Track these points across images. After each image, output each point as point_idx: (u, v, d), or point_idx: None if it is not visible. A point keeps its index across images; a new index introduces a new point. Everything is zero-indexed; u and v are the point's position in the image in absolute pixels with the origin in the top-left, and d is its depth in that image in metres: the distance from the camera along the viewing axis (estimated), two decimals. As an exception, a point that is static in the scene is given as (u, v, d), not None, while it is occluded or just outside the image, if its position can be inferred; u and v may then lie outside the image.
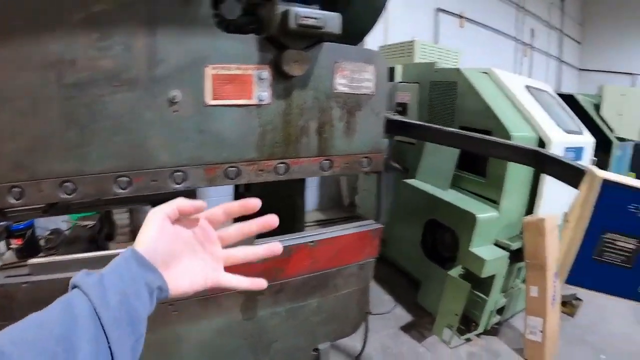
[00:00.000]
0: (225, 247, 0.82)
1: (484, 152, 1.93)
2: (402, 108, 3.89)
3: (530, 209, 3.11)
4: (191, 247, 0.77)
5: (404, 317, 3.48)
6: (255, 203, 0.80)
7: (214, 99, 1.37)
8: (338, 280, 1.84)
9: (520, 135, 2.87)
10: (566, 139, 3.19)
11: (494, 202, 2.99)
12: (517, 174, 2.91)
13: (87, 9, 1.16)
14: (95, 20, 1.17)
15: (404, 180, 3.57)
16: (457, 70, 3.31)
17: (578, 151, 3.34)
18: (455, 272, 2.91)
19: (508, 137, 2.78)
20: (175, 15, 1.28)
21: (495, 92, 3.22)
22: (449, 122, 3.36)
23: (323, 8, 1.45)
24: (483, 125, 2.97)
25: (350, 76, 1.59)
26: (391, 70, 4.08)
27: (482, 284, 2.96)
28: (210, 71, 1.35)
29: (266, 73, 1.43)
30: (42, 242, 3.23)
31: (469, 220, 2.85)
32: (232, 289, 0.80)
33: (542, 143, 2.98)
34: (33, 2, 1.11)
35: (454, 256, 3.07)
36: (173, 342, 1.58)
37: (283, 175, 1.54)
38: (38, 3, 1.12)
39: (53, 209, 1.71)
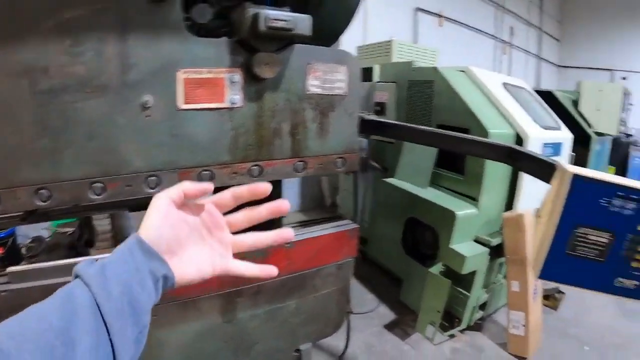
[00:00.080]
0: (234, 233, 0.79)
1: (459, 150, 1.95)
2: (380, 107, 3.90)
3: (509, 204, 3.14)
4: (198, 233, 0.74)
5: (388, 315, 3.49)
6: (265, 187, 0.76)
7: (186, 103, 1.37)
8: (316, 281, 1.85)
9: (498, 132, 2.89)
10: (544, 135, 3.22)
11: (473, 199, 3.01)
12: (496, 171, 2.94)
13: (59, 16, 1.15)
14: (67, 26, 1.17)
15: (384, 179, 3.58)
16: (434, 69, 3.33)
17: (556, 147, 3.38)
18: (436, 269, 2.92)
19: (485, 134, 2.81)
20: (146, 20, 1.27)
21: (472, 90, 3.24)
22: (427, 120, 3.37)
23: (294, 10, 1.45)
24: (460, 123, 2.99)
25: (323, 77, 1.60)
26: (369, 70, 4.10)
27: (463, 281, 2.98)
28: (181, 75, 1.35)
29: (238, 76, 1.43)
30: (23, 251, 3.20)
31: (449, 217, 2.87)
32: (242, 277, 0.77)
33: (519, 139, 3.00)
34: (4, 9, 1.10)
35: (435, 253, 3.09)
36: (153, 346, 1.57)
37: (257, 177, 1.54)
38: (10, 11, 1.11)
39: (32, 216, 1.70)
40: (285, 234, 0.79)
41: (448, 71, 3.28)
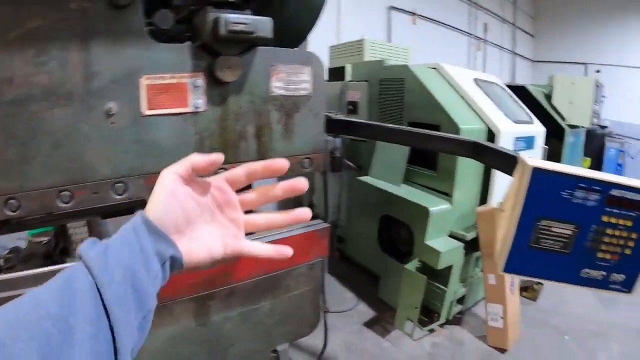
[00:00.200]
0: (247, 212, 0.74)
1: (426, 147, 1.97)
2: (353, 107, 3.92)
3: (484, 199, 3.17)
4: (209, 211, 0.70)
5: (367, 313, 3.51)
6: (282, 164, 0.70)
7: (150, 108, 1.37)
8: (289, 281, 1.85)
9: (469, 128, 2.93)
10: (516, 129, 3.27)
11: (447, 195, 3.04)
12: (468, 166, 2.97)
13: (22, 26, 1.15)
14: (30, 37, 1.16)
15: (358, 177, 3.60)
16: (405, 66, 3.36)
17: (529, 140, 3.43)
18: (412, 265, 2.95)
19: (457, 130, 2.84)
20: (108, 28, 1.27)
21: (443, 86, 3.28)
22: (398, 118, 3.41)
23: (257, 13, 1.46)
24: (432, 120, 3.02)
25: (287, 78, 1.60)
26: (341, 70, 4.13)
27: (440, 276, 3.02)
28: (144, 81, 1.35)
29: (200, 80, 1.43)
30: (1, 262, 3.16)
31: (422, 214, 2.90)
32: (255, 257, 0.72)
33: (491, 134, 3.05)
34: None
35: (411, 250, 3.11)
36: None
37: (224, 180, 1.54)
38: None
39: (6, 226, 1.69)
40: (302, 213, 0.74)
41: (419, 68, 3.31)
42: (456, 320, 3.38)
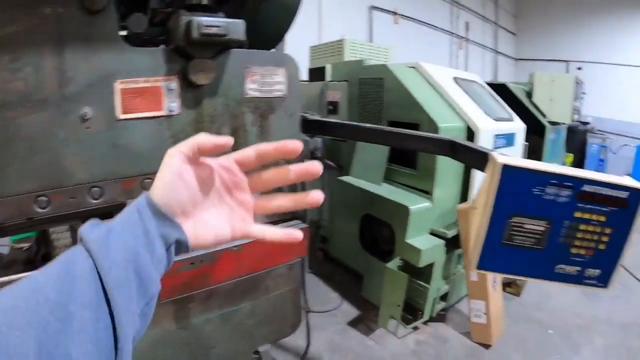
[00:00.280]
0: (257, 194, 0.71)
1: (404, 146, 1.97)
2: (333, 107, 3.93)
3: (464, 196, 3.19)
4: (216, 193, 0.67)
5: (351, 312, 3.52)
6: (295, 145, 0.65)
7: (124, 113, 1.37)
8: (268, 282, 1.86)
9: (448, 126, 2.95)
10: (495, 126, 3.30)
11: (427, 193, 3.06)
12: (448, 164, 2.96)
13: (-2, 32, 1.15)
14: (5, 43, 1.16)
15: (339, 177, 3.61)
16: (384, 66, 3.37)
17: (509, 137, 3.46)
18: (394, 264, 2.96)
19: (435, 128, 2.85)
20: (82, 33, 1.27)
21: (422, 85, 3.29)
22: (378, 117, 3.42)
23: (231, 15, 1.46)
24: (411, 119, 3.04)
25: (261, 80, 1.61)
26: (322, 70, 4.14)
27: (422, 273, 3.03)
28: (118, 86, 1.35)
29: (174, 84, 1.44)
30: (-17, 270, 3.12)
31: (403, 212, 2.91)
32: (263, 240, 0.68)
33: (470, 132, 3.06)
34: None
35: (392, 249, 3.12)
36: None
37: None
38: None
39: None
40: (316, 196, 0.68)
41: (398, 68, 3.32)
42: (440, 318, 3.39)
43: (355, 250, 3.65)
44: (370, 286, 3.57)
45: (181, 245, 0.60)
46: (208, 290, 1.70)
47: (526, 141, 3.90)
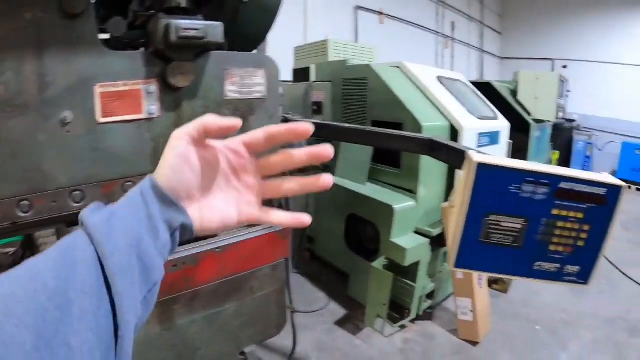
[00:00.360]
0: (266, 178, 0.67)
1: (385, 146, 1.97)
2: (317, 107, 3.94)
3: (449, 194, 3.19)
4: (223, 176, 0.64)
5: (339, 311, 3.52)
6: (306, 127, 0.61)
7: (104, 116, 1.37)
8: (252, 283, 1.86)
9: (432, 125, 2.96)
10: (479, 124, 3.32)
11: (411, 192, 3.08)
12: (431, 163, 2.94)
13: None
14: None
15: (324, 177, 3.58)
16: (367, 66, 3.38)
17: (493, 135, 3.48)
18: (379, 263, 2.98)
19: (419, 127, 2.87)
20: (62, 37, 1.26)
21: (406, 85, 3.31)
22: (362, 117, 3.44)
23: (210, 18, 1.46)
24: (394, 118, 3.06)
25: (241, 82, 1.61)
26: (306, 71, 4.14)
27: (408, 272, 3.04)
28: (98, 89, 1.35)
29: (154, 87, 1.43)
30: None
31: (387, 212, 2.93)
32: (271, 225, 0.64)
33: (454, 131, 3.08)
34: None
35: (378, 248, 3.13)
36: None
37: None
38: None
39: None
40: (325, 179, 0.64)
41: (381, 67, 3.34)
42: (427, 316, 3.41)
43: (341, 250, 3.66)
44: (356, 285, 3.58)
45: (186, 230, 0.59)
46: (192, 292, 1.70)
47: (511, 139, 3.93)
